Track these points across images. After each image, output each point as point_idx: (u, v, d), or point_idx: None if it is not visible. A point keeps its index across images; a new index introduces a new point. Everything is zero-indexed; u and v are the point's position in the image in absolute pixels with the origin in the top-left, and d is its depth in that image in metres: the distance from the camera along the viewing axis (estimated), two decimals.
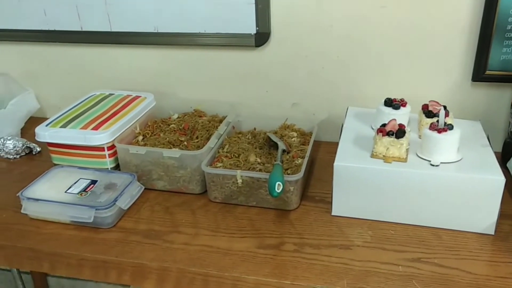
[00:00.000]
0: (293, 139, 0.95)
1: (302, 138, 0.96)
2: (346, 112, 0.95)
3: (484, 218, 0.73)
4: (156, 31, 1.03)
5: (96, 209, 0.76)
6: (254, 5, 0.96)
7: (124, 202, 0.80)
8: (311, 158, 0.95)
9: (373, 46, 0.96)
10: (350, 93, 1.01)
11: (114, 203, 0.78)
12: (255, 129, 1.00)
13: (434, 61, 0.94)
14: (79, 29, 1.07)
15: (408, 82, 0.97)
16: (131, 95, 1.04)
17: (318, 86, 1.03)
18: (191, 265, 0.70)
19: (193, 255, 0.72)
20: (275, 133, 0.97)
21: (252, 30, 0.98)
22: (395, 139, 0.77)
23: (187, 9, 1.00)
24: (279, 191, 0.73)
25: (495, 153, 0.90)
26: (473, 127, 0.88)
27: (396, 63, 0.96)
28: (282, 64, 1.02)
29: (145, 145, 0.92)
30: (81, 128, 0.90)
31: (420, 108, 0.87)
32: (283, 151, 0.89)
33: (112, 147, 0.89)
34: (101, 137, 0.88)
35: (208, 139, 0.91)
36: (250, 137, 0.97)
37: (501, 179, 0.70)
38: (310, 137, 0.93)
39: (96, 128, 0.90)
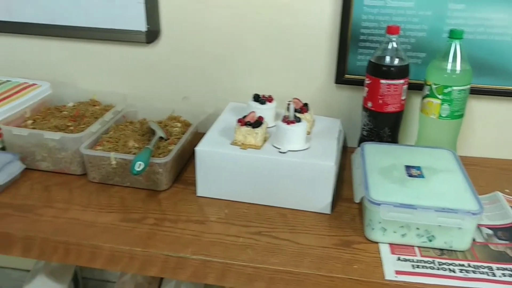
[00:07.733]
0: (175, 128, 1.03)
1: (185, 128, 1.04)
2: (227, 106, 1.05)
3: (321, 199, 0.84)
4: (53, 23, 1.09)
5: None
6: (144, 4, 1.04)
7: (0, 179, 0.85)
8: (192, 147, 1.04)
9: (252, 47, 1.06)
10: (233, 89, 1.11)
11: None
12: (144, 119, 1.08)
13: (304, 64, 1.05)
14: None
15: (281, 82, 1.08)
16: (28, 83, 1.09)
17: (206, 82, 1.12)
18: (55, 234, 0.77)
19: (59, 226, 0.79)
20: (160, 123, 1.05)
21: (143, 27, 1.06)
22: (251, 129, 0.87)
23: (83, 4, 1.07)
24: (139, 169, 0.82)
25: (353, 148, 1.02)
26: (332, 123, 0.99)
27: (272, 64, 1.07)
28: (173, 60, 1.11)
29: (33, 129, 0.97)
30: None
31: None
32: (161, 138, 0.97)
33: None
34: None
35: None
36: (138, 126, 1.04)
37: (331, 165, 0.82)
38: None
39: None
